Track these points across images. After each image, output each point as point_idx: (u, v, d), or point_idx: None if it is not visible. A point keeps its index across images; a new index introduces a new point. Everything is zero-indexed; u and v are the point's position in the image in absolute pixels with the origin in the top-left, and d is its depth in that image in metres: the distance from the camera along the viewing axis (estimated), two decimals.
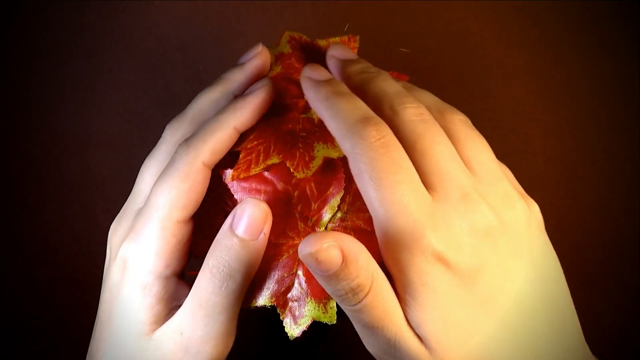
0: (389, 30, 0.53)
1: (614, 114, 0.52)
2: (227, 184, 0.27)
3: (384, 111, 0.24)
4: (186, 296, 0.24)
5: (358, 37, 0.32)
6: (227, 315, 0.24)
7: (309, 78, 0.25)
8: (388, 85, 0.25)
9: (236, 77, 0.28)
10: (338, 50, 0.28)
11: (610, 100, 0.53)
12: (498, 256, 0.21)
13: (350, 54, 0.28)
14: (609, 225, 0.49)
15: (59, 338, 0.24)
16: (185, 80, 0.50)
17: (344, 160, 0.26)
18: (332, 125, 0.23)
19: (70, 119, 0.49)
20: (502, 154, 0.26)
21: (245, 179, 0.27)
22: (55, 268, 0.45)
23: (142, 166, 0.27)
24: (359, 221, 0.26)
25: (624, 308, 0.47)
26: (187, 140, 0.25)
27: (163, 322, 0.24)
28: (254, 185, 0.27)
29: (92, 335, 0.26)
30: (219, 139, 0.25)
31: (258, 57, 0.28)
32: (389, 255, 0.22)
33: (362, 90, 0.25)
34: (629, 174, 0.51)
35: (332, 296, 0.22)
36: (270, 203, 0.26)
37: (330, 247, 0.20)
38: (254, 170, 0.26)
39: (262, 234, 0.24)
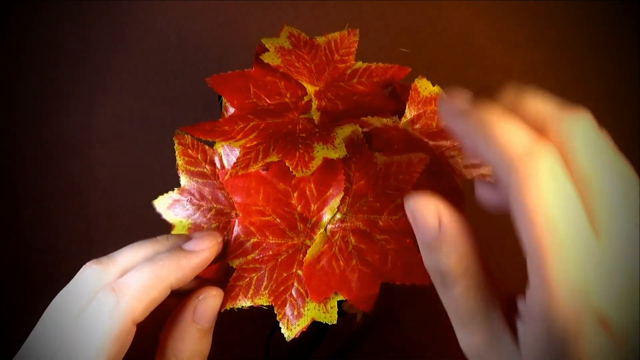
0: (389, 30, 0.53)
1: (614, 113, 0.52)
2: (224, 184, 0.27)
3: (549, 135, 0.20)
4: None
5: (357, 30, 0.32)
6: None
7: (448, 109, 0.20)
8: (542, 100, 0.20)
9: (182, 257, 0.24)
10: (446, 103, 0.21)
11: (611, 100, 0.53)
12: None
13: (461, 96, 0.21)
14: None
15: None
16: (185, 80, 0.50)
17: (344, 161, 0.26)
18: (491, 155, 0.19)
19: (70, 119, 0.49)
20: None
21: (244, 180, 0.27)
22: (55, 268, 0.45)
23: (51, 307, 0.23)
24: (358, 222, 0.26)
25: None
26: (117, 294, 0.22)
27: None
28: (253, 184, 0.27)
29: None
30: (155, 298, 0.22)
31: (210, 250, 0.25)
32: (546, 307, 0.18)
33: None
34: None
35: (430, 274, 0.21)
36: (270, 203, 0.26)
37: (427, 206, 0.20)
38: (253, 168, 0.25)
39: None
